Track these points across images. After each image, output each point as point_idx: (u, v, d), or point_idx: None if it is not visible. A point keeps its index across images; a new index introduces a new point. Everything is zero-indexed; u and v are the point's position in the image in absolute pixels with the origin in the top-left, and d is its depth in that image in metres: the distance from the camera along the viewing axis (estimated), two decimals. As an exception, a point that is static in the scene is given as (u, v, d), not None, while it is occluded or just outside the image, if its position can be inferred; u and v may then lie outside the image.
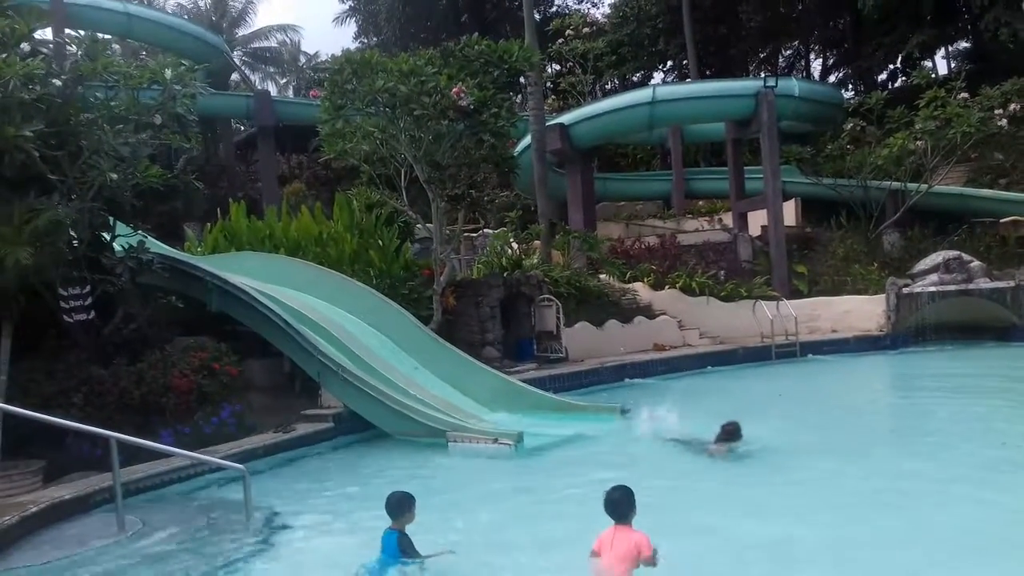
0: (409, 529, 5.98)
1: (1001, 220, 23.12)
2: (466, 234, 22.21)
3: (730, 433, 9.61)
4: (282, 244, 17.61)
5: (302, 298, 14.32)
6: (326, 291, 14.99)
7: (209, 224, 19.49)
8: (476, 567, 6.09)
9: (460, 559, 6.04)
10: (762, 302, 20.47)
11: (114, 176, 11.05)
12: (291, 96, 46.57)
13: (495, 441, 10.73)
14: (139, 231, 12.73)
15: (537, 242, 23.41)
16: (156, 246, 15.24)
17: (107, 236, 12.28)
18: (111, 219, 12.29)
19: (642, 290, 21.49)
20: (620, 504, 5.29)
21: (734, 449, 9.50)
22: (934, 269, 20.43)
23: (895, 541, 6.31)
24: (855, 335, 20.50)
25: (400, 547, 5.85)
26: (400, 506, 6.01)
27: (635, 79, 40.72)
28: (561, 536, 6.86)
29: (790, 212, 26.16)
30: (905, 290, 20.26)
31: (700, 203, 30.42)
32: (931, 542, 6.33)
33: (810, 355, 19.41)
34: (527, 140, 25.04)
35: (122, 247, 12.24)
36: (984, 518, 6.76)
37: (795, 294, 22.07)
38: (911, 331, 20.01)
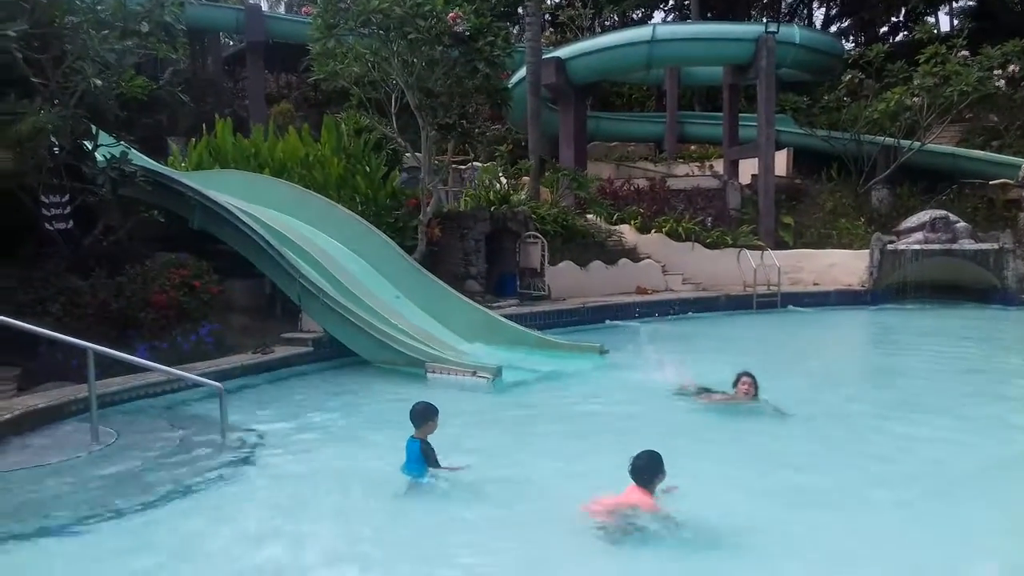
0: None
1: (990, 182, 23.09)
2: (455, 166, 22.00)
3: (736, 380, 9.02)
4: (267, 164, 17.35)
5: (285, 220, 14.17)
6: (310, 214, 14.83)
7: (194, 140, 19.15)
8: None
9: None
10: (747, 251, 20.49)
11: (98, 83, 10.78)
12: (283, 12, 45.39)
13: (474, 374, 10.76)
14: (122, 142, 12.48)
15: (526, 178, 23.19)
16: (139, 158, 14.98)
17: (89, 145, 12.03)
18: (94, 128, 12.02)
19: (628, 232, 21.43)
20: (642, 471, 5.30)
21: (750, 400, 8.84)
22: (920, 227, 20.45)
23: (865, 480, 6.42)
24: (837, 289, 20.62)
25: (422, 453, 6.18)
26: (423, 415, 6.32)
27: (635, 16, 40.00)
28: (534, 471, 6.92)
29: (781, 162, 26.04)
30: (890, 247, 20.32)
31: (692, 148, 30.22)
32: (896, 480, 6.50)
33: (791, 306, 19.52)
34: (522, 72, 24.62)
35: (104, 157, 12.00)
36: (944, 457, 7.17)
37: (780, 245, 22.09)
38: (893, 288, 20.13)
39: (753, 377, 8.90)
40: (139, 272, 11.32)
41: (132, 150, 13.12)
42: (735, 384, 8.94)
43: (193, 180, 13.93)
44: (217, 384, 8.03)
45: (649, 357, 11.70)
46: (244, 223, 12.65)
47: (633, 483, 5.30)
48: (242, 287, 13.07)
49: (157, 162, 17.53)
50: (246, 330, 12.30)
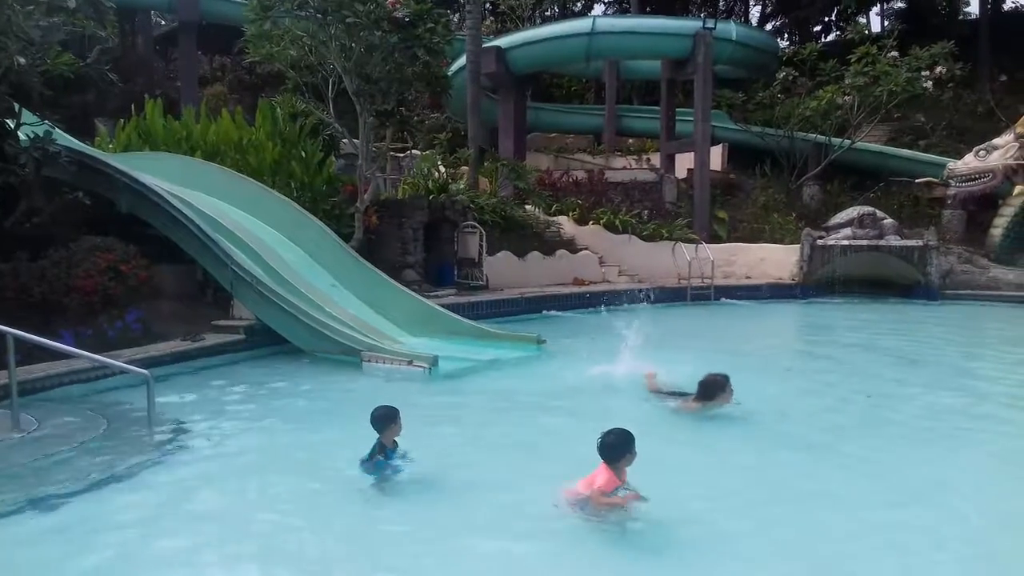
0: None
1: (916, 180, 23.84)
2: (393, 153, 21.79)
3: (708, 387, 7.93)
4: (199, 147, 16.92)
5: (218, 205, 13.84)
6: (243, 200, 14.52)
7: (122, 121, 18.56)
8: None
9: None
10: (682, 244, 20.80)
11: (22, 60, 10.39)
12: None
13: (410, 363, 10.67)
14: (46, 121, 12.03)
15: (465, 167, 23.12)
16: (64, 139, 14.46)
17: (11, 123, 11.56)
18: (16, 106, 11.56)
19: (566, 224, 21.54)
20: (609, 448, 5.22)
21: (710, 408, 7.94)
22: (848, 223, 21.00)
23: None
24: (768, 282, 21.06)
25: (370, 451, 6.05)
26: (383, 419, 6.11)
27: (576, 7, 40.14)
28: (472, 459, 6.90)
29: (717, 157, 26.47)
30: (819, 242, 20.81)
31: (630, 141, 30.47)
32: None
33: (724, 299, 19.87)
34: (462, 61, 24.51)
35: (28, 137, 11.55)
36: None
37: (714, 238, 22.46)
38: (821, 282, 20.64)
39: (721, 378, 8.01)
40: (63, 256, 10.94)
41: (57, 130, 12.65)
42: (713, 391, 7.99)
43: (121, 162, 13.51)
44: (144, 371, 7.81)
45: (605, 352, 11.70)
46: (174, 207, 12.33)
47: (602, 462, 5.24)
48: (171, 273, 12.74)
49: (84, 143, 16.94)
50: (175, 317, 11.99)
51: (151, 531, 5.25)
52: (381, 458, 6.01)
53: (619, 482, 5.20)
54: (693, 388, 8.25)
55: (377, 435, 6.08)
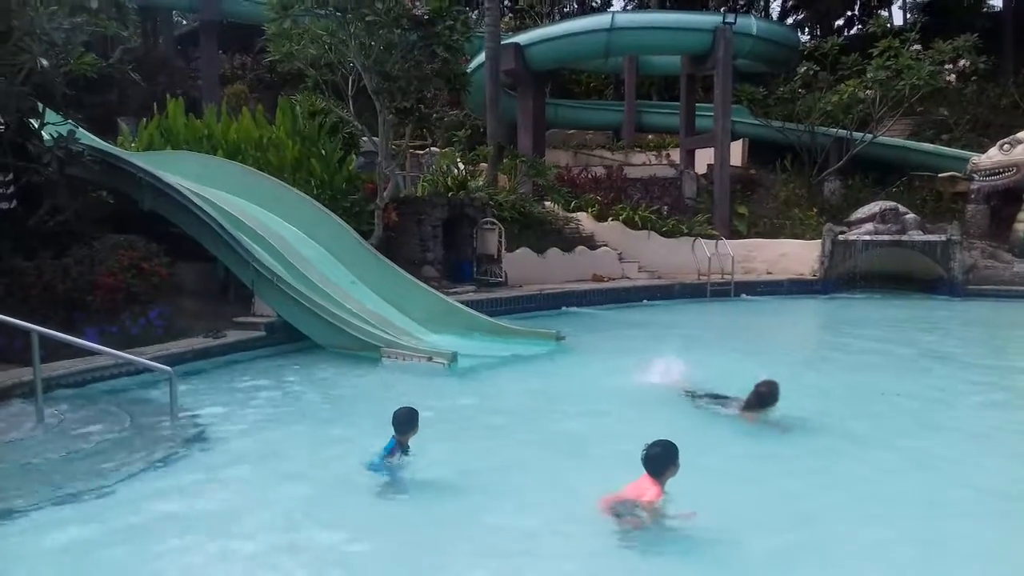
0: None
1: (939, 175, 23.60)
2: (412, 151, 21.84)
3: (763, 397, 7.53)
4: (220, 146, 17.05)
5: (239, 203, 13.95)
6: (264, 198, 14.62)
7: (145, 120, 18.74)
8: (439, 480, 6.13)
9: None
10: (701, 240, 20.71)
11: (45, 62, 10.49)
12: (238, -7, 44.56)
13: (429, 359, 10.71)
14: (70, 121, 12.16)
15: (484, 164, 23.15)
16: (87, 138, 14.61)
17: (35, 123, 11.70)
18: (40, 106, 11.70)
19: (585, 220, 21.51)
20: (654, 460, 5.13)
21: (766, 415, 7.55)
22: (870, 218, 20.84)
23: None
24: (789, 278, 20.94)
25: (388, 449, 6.06)
26: (408, 421, 6.13)
27: (595, 3, 40.04)
28: (490, 459, 6.91)
29: (737, 152, 26.32)
30: (840, 237, 20.66)
31: (649, 137, 30.38)
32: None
33: (744, 295, 19.77)
34: (481, 58, 24.53)
35: (51, 136, 11.69)
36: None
37: (734, 234, 22.35)
38: (843, 278, 20.50)
39: (772, 386, 7.59)
40: (86, 254, 11.06)
41: (80, 129, 12.79)
42: (757, 400, 7.60)
43: (143, 161, 13.63)
44: (167, 368, 7.88)
45: (625, 348, 11.68)
46: (196, 205, 12.43)
47: (645, 473, 5.15)
48: (193, 270, 12.86)
49: (106, 142, 17.12)
50: (197, 314, 12.10)
51: (172, 525, 5.31)
52: (396, 458, 6.03)
53: (659, 497, 5.10)
54: (724, 388, 8.27)
55: (394, 434, 6.10)
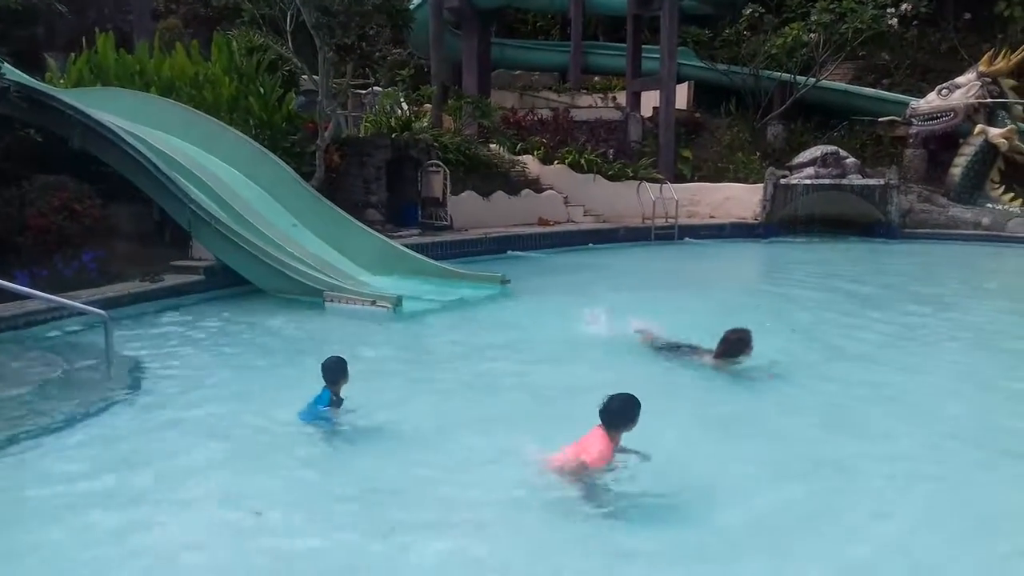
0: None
1: (879, 119, 23.91)
2: (354, 90, 21.35)
3: (732, 345, 7.35)
4: (153, 83, 16.42)
5: (174, 142, 13.50)
6: (200, 137, 14.16)
7: (73, 55, 17.91)
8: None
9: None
10: (646, 183, 20.73)
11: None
12: (170, -78, 42.59)
13: (373, 303, 10.61)
14: (-8, 55, 11.57)
15: (428, 105, 22.75)
16: (14, 73, 13.91)
17: (-46, 57, 11.11)
18: (-41, 38, 11.10)
19: (531, 163, 21.34)
20: (612, 414, 4.82)
21: (736, 364, 7.42)
22: (811, 162, 21.04)
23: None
24: (732, 222, 21.15)
25: (321, 400, 5.89)
26: (338, 370, 5.95)
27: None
28: (434, 397, 6.90)
29: (682, 95, 26.23)
30: (782, 181, 20.87)
31: (596, 79, 30.10)
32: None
33: (687, 239, 19.94)
34: (425, -6, 23.90)
35: (-29, 71, 11.12)
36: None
37: (679, 178, 22.42)
38: (784, 221, 20.76)
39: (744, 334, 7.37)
40: (15, 194, 10.64)
41: (5, 64, 12.19)
42: (740, 348, 7.34)
43: (73, 98, 13.07)
44: (102, 312, 7.63)
45: (571, 292, 11.64)
46: (129, 144, 11.98)
47: (598, 426, 4.85)
48: (127, 212, 12.45)
49: (33, 78, 16.35)
50: (133, 258, 11.74)
51: (107, 469, 5.21)
52: (331, 410, 5.89)
53: (611, 455, 4.85)
54: (673, 331, 8.28)
55: (325, 384, 5.93)
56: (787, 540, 4.45)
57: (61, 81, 17.31)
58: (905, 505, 4.93)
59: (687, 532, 4.48)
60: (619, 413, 4.80)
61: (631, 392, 4.89)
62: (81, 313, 8.15)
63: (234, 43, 17.47)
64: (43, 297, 7.92)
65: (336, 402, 5.92)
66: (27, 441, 5.63)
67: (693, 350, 7.86)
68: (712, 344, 7.60)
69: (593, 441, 4.82)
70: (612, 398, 4.84)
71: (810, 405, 6.83)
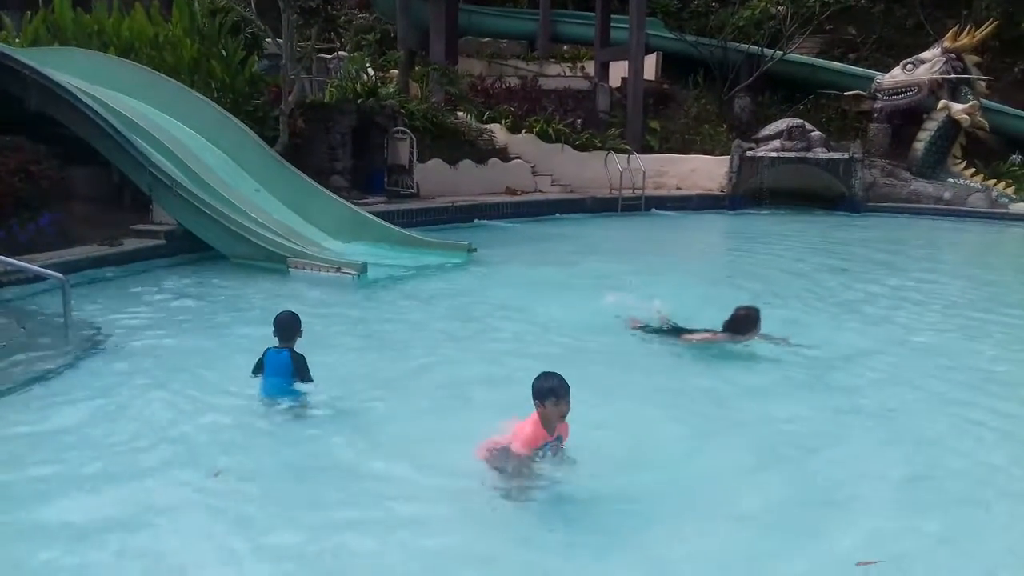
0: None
1: (845, 93, 24.07)
2: (319, 54, 20.97)
3: (740, 321, 6.99)
4: (112, 43, 16.00)
5: (133, 104, 13.20)
6: (161, 99, 13.85)
7: (29, 13, 17.38)
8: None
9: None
10: (614, 154, 20.73)
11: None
12: None
13: (338, 270, 10.53)
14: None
15: (395, 71, 22.43)
16: (-35, 31, 13.53)
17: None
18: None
19: (499, 132, 21.19)
20: (535, 392, 4.48)
21: (736, 342, 7.11)
22: (777, 135, 21.20)
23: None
24: (698, 193, 21.26)
25: (296, 367, 5.62)
26: (293, 325, 5.69)
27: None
28: (402, 366, 6.87)
29: (651, 66, 26.19)
30: (748, 153, 21.00)
31: (565, 48, 29.91)
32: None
33: (654, 209, 20.02)
34: (391, -42, 23.52)
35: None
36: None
37: (646, 149, 22.43)
38: (750, 193, 20.91)
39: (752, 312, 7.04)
40: (-32, 156, 10.35)
41: (-45, 20, 11.82)
42: (747, 326, 6.99)
43: (29, 57, 12.69)
44: (60, 275, 7.47)
45: (537, 261, 11.53)
46: (87, 106, 11.70)
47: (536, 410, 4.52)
48: (86, 175, 12.17)
49: (-14, 36, 15.89)
50: (92, 221, 11.51)
51: (65, 435, 5.13)
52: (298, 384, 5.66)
53: (546, 436, 4.50)
54: (641, 305, 8.21)
55: (280, 342, 5.69)
56: (765, 531, 4.24)
57: (17, 40, 16.81)
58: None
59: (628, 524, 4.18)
60: (541, 392, 4.43)
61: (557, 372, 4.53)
62: (39, 277, 7.99)
63: (196, 4, 17.06)
64: (0, 260, 7.75)
65: (300, 362, 5.65)
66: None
67: (684, 331, 7.51)
68: (698, 321, 7.56)
69: (523, 425, 4.55)
70: (541, 376, 4.50)
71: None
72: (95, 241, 10.79)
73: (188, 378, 6.26)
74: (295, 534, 4.04)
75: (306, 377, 5.65)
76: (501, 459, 4.52)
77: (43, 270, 7.81)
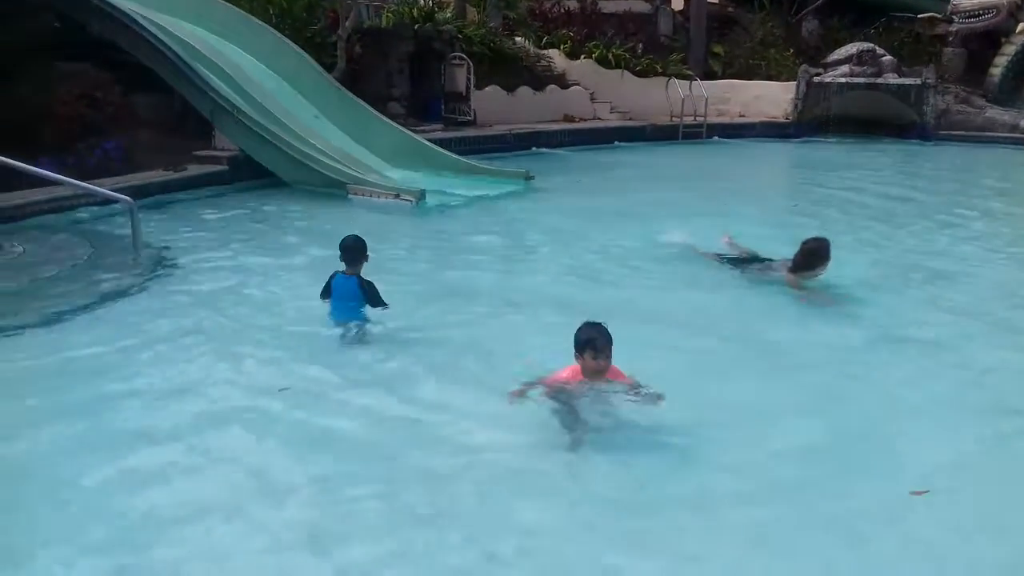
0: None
1: (918, 16, 23.01)
2: (376, -21, 20.71)
3: (810, 255, 6.60)
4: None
5: (192, 29, 13.22)
6: (220, 26, 13.85)
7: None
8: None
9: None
10: (676, 80, 20.21)
11: None
12: None
13: (396, 196, 10.56)
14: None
15: (452, -5, 22.08)
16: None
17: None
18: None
19: (557, 58, 20.82)
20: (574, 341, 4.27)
21: (808, 280, 6.69)
22: (847, 60, 20.42)
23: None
24: (762, 121, 20.68)
25: (365, 292, 5.62)
26: (359, 250, 5.65)
27: None
28: (460, 292, 6.87)
29: (715, -12, 25.35)
30: (816, 79, 20.29)
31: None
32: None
33: (716, 137, 19.56)
34: None
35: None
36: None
37: (709, 75, 21.83)
38: (816, 121, 20.26)
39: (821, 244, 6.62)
40: (38, 82, 10.50)
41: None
42: (812, 261, 6.60)
43: (89, -17, 12.76)
44: (128, 199, 7.65)
45: (597, 190, 11.31)
46: (149, 32, 11.73)
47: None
48: (149, 101, 12.34)
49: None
50: (155, 147, 11.67)
51: (136, 349, 5.29)
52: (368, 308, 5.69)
53: (579, 378, 4.32)
54: (705, 237, 7.99)
55: (346, 267, 5.68)
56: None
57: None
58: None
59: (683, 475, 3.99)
60: (575, 339, 4.26)
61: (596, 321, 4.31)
62: (108, 200, 8.17)
63: (253, -72, 16.91)
64: (71, 183, 7.94)
65: (368, 288, 5.64)
66: (59, 320, 5.72)
67: (763, 264, 7.16)
68: (765, 254, 7.31)
69: (564, 370, 4.41)
70: (581, 325, 4.30)
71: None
72: (159, 167, 10.96)
73: (254, 298, 6.39)
74: (355, 449, 4.15)
75: (378, 302, 5.66)
76: (548, 391, 4.39)
77: (112, 193, 7.98)
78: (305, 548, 3.32)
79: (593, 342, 4.18)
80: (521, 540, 3.41)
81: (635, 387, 4.33)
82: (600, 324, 4.27)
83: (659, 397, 4.25)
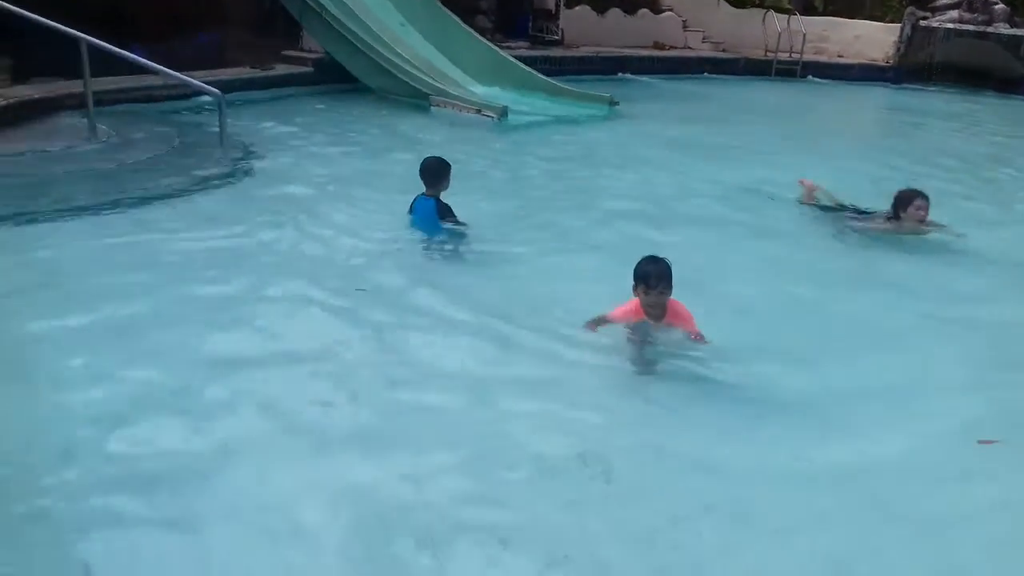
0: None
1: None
2: None
3: (905, 202, 6.31)
4: None
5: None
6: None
7: None
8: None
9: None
10: (774, 13, 19.38)
11: None
12: None
13: (479, 111, 10.48)
14: None
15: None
16: None
17: None
18: None
19: (651, -20, 20.18)
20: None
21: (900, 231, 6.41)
22: (956, 5, 19.29)
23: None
24: (860, 63, 19.77)
25: (440, 213, 5.66)
26: (438, 172, 5.66)
27: None
28: (538, 213, 6.79)
29: (824, -82, 24.11)
30: (922, 23, 19.25)
31: None
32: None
33: (811, 76, 18.77)
34: None
35: None
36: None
37: (809, 10, 20.98)
38: (918, 67, 19.28)
39: (927, 199, 6.34)
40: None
41: None
42: (898, 207, 6.36)
43: None
44: (216, 91, 7.71)
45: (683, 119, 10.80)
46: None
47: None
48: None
49: None
50: (245, 45, 11.77)
51: (217, 237, 5.41)
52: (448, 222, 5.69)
53: (638, 316, 4.19)
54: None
55: (426, 189, 5.69)
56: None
57: None
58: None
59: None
60: (634, 271, 4.13)
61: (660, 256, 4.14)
62: (197, 92, 8.27)
63: None
64: (164, 72, 7.99)
65: (444, 210, 5.66)
66: (149, 201, 5.86)
67: (849, 212, 6.88)
68: (858, 202, 6.98)
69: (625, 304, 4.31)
70: (643, 258, 4.16)
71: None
72: (247, 64, 11.02)
73: (335, 198, 6.45)
74: (420, 350, 4.18)
75: (455, 219, 5.70)
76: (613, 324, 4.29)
77: (203, 85, 8.05)
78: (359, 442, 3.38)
79: (647, 277, 4.06)
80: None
81: (690, 336, 4.20)
82: (659, 259, 4.11)
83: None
